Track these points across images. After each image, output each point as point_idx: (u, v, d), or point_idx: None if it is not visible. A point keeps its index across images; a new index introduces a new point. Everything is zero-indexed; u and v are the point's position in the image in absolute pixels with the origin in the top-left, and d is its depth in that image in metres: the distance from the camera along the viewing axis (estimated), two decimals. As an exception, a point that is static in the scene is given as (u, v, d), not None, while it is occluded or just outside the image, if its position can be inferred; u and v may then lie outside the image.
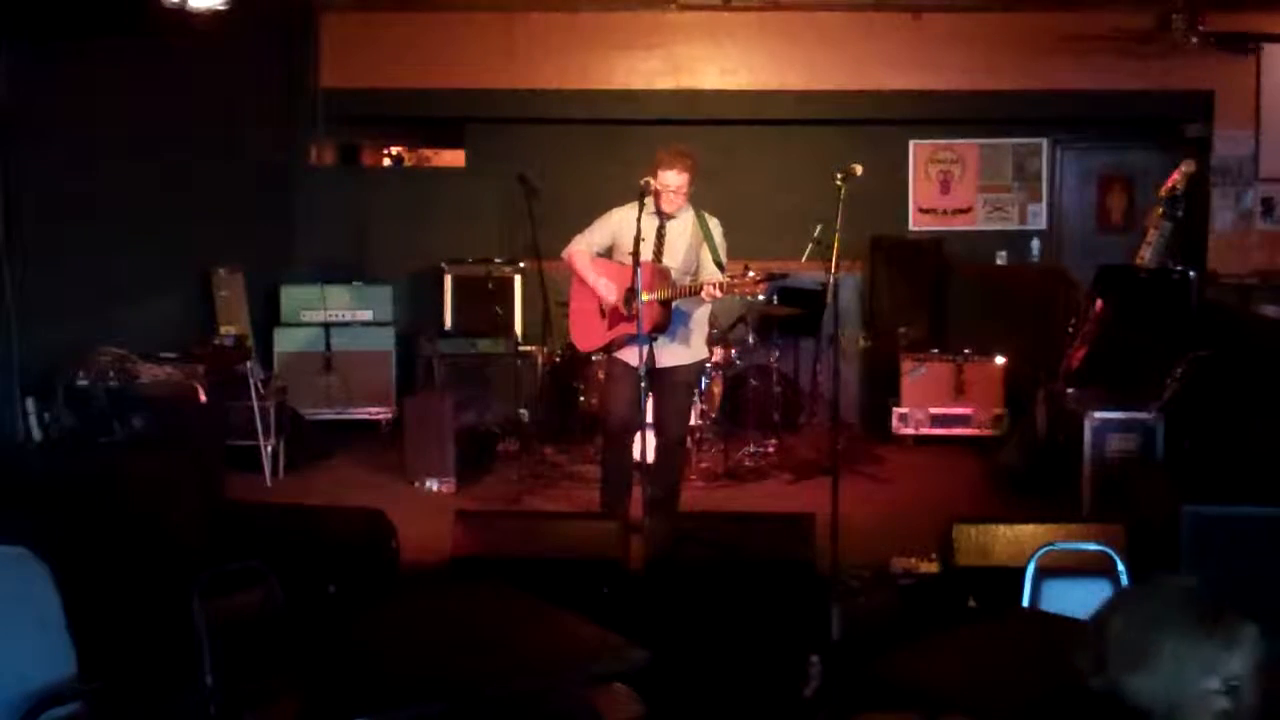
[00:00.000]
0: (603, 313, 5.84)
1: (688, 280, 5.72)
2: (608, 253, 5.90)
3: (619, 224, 5.81)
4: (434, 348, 8.43)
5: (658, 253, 5.73)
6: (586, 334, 5.96)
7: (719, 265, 5.71)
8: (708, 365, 7.30)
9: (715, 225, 5.83)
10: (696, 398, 7.27)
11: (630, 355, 5.73)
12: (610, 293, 5.78)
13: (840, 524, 5.05)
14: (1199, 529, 4.49)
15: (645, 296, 5.46)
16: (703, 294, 5.56)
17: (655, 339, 5.59)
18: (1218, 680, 1.97)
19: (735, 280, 5.52)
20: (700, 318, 5.93)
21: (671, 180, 5.66)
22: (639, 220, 5.47)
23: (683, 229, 5.80)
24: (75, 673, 3.05)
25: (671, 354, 5.78)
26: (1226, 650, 1.99)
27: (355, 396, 8.34)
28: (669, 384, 5.77)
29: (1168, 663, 1.97)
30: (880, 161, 8.22)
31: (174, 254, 7.37)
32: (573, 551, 4.53)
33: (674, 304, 5.68)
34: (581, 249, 5.88)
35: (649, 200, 5.59)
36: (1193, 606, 2.03)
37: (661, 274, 5.65)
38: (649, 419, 5.69)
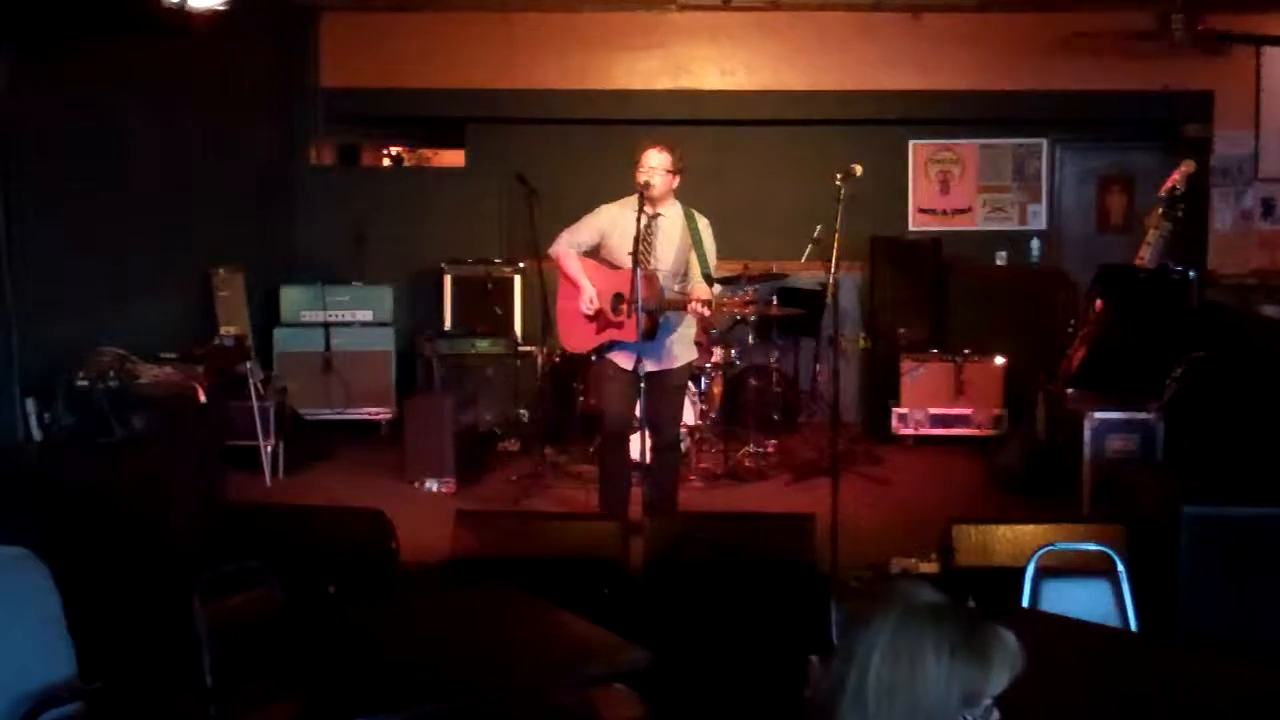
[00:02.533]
0: (590, 316, 5.82)
1: (676, 289, 5.70)
2: (594, 251, 5.87)
3: (608, 223, 5.78)
4: (434, 348, 8.43)
5: (646, 253, 5.67)
6: (574, 335, 5.93)
7: (707, 276, 5.65)
8: (707, 365, 7.31)
9: (705, 226, 5.78)
10: (696, 398, 7.28)
11: (621, 358, 5.73)
12: (595, 296, 5.75)
13: (840, 524, 5.06)
14: (1199, 529, 4.49)
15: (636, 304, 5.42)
16: (687, 311, 5.55)
17: (644, 346, 5.55)
18: (980, 703, 1.93)
19: (724, 299, 5.49)
20: (688, 321, 5.89)
21: (653, 159, 5.62)
22: (639, 219, 5.46)
23: (671, 228, 5.74)
24: (75, 673, 3.06)
25: (661, 360, 5.74)
26: (984, 673, 1.95)
27: (355, 396, 8.34)
28: (660, 388, 5.72)
29: (928, 694, 1.93)
30: (880, 161, 8.23)
31: (174, 254, 7.37)
32: (573, 552, 4.53)
33: (661, 313, 5.65)
34: (568, 248, 5.85)
35: (635, 198, 5.57)
36: (948, 628, 1.95)
37: (649, 280, 5.56)
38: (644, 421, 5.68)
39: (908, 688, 1.91)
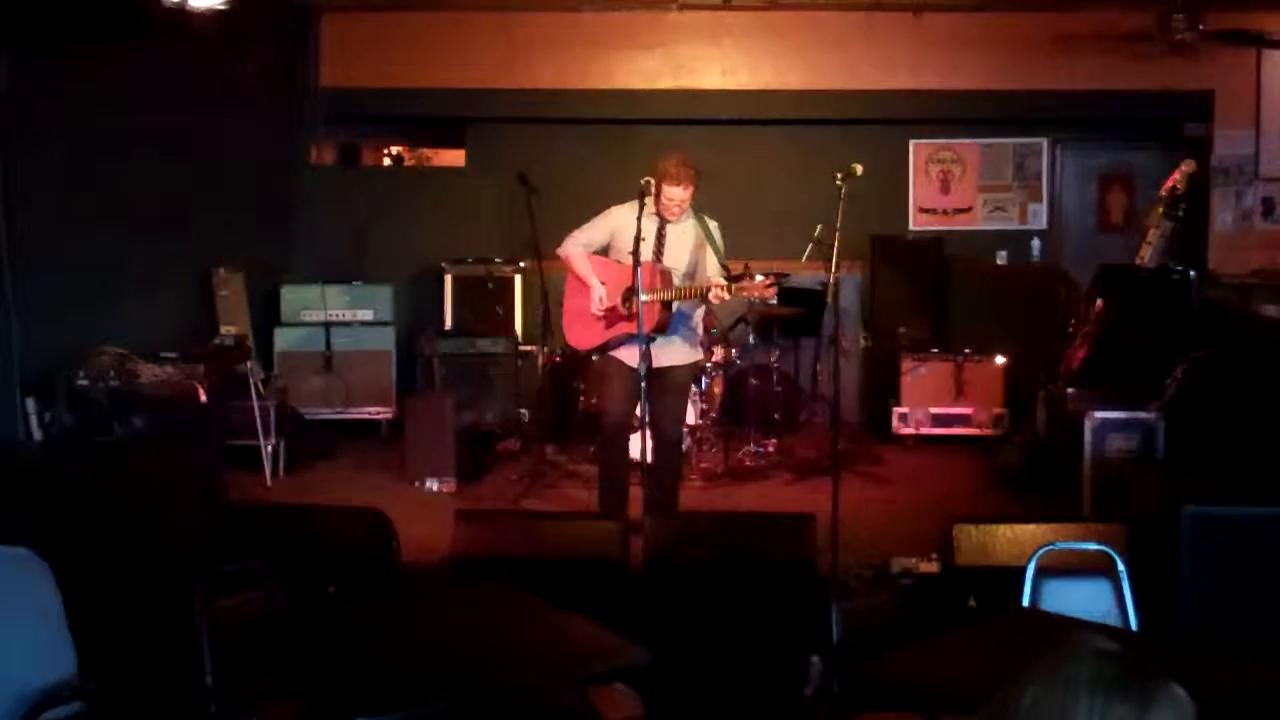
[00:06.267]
0: (599, 315, 5.83)
1: (690, 282, 5.71)
2: (604, 251, 5.89)
3: (618, 223, 5.78)
4: (434, 348, 8.43)
5: (658, 253, 5.72)
6: (583, 333, 5.94)
7: (724, 268, 5.70)
8: (707, 365, 7.31)
9: (715, 227, 5.82)
10: (695, 397, 7.28)
11: (627, 355, 5.73)
12: (606, 294, 5.77)
13: (840, 524, 5.06)
14: (1199, 529, 4.48)
15: (646, 297, 5.43)
16: (709, 296, 5.55)
17: (654, 339, 5.57)
18: None
19: (745, 284, 5.49)
20: (697, 319, 5.92)
21: (676, 195, 5.64)
22: (639, 220, 5.46)
23: (683, 231, 5.79)
24: (75, 673, 3.06)
25: (669, 355, 5.76)
26: (1141, 710, 1.92)
27: (355, 396, 8.34)
28: (665, 385, 5.74)
29: None
30: (880, 161, 8.22)
31: (174, 254, 7.37)
32: (573, 551, 4.52)
33: (674, 305, 5.67)
34: (578, 248, 5.87)
35: (649, 201, 5.58)
36: (1106, 668, 1.90)
37: (663, 275, 5.64)
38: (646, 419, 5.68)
39: None
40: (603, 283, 5.81)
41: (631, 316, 5.66)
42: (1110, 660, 1.94)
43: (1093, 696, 1.88)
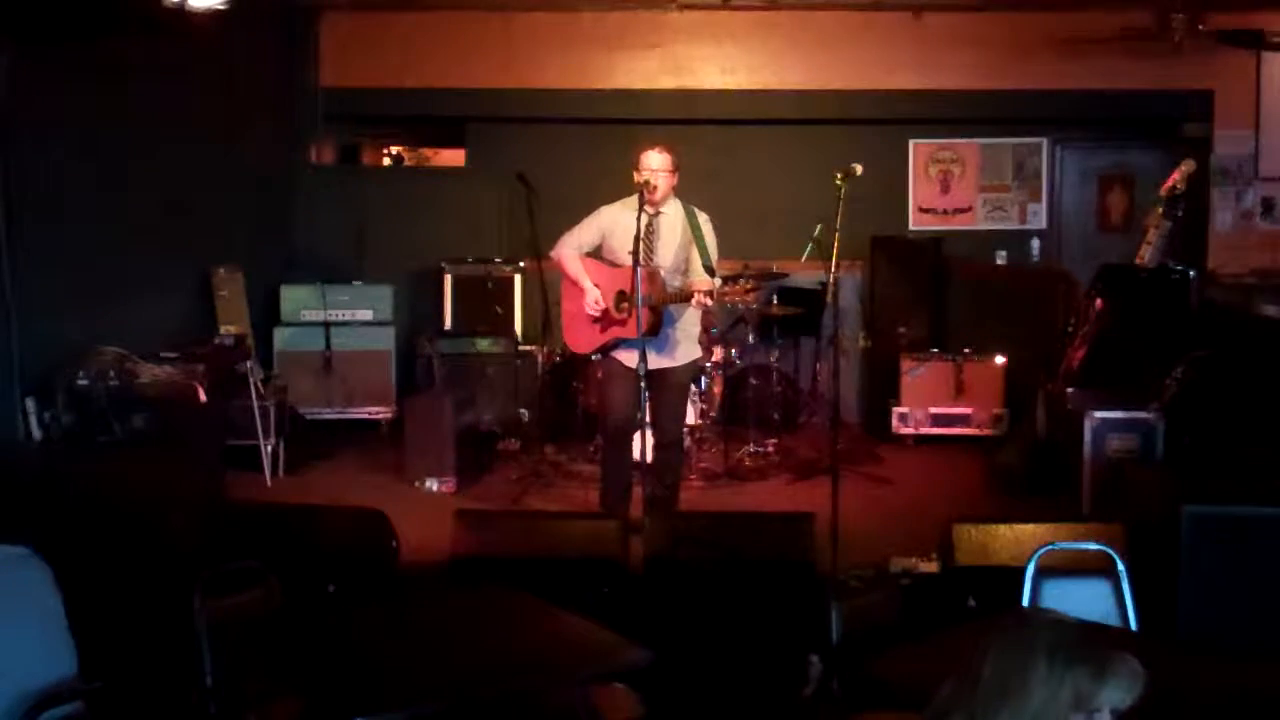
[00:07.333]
0: (595, 316, 5.83)
1: (678, 283, 5.71)
2: (596, 251, 5.89)
3: (609, 222, 5.80)
4: (434, 348, 8.43)
5: (648, 251, 5.70)
6: (579, 336, 5.95)
7: (708, 268, 5.67)
8: (707, 365, 7.31)
9: (705, 221, 5.80)
10: (695, 397, 7.28)
11: (626, 356, 5.73)
12: (600, 296, 5.77)
13: (840, 524, 5.06)
14: (1199, 529, 4.49)
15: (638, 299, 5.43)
16: (692, 303, 5.56)
17: (650, 341, 5.56)
18: (1085, 711, 1.95)
19: (726, 289, 5.51)
20: (692, 318, 5.91)
21: (654, 161, 5.63)
22: (639, 219, 5.46)
23: (672, 226, 5.77)
24: (75, 673, 3.06)
25: (665, 356, 5.76)
26: (1096, 680, 1.95)
27: (355, 396, 8.34)
28: (664, 385, 5.75)
29: (1036, 693, 1.95)
30: (880, 161, 8.21)
31: (174, 254, 7.37)
32: (573, 551, 4.53)
33: (665, 307, 5.67)
34: (570, 250, 5.87)
35: (635, 198, 5.58)
36: (1064, 635, 1.99)
37: (651, 277, 5.60)
38: (646, 420, 5.68)
39: (1018, 688, 1.94)
40: (595, 285, 5.80)
41: (623, 320, 5.66)
42: (1067, 629, 1.98)
43: (1051, 661, 1.94)
